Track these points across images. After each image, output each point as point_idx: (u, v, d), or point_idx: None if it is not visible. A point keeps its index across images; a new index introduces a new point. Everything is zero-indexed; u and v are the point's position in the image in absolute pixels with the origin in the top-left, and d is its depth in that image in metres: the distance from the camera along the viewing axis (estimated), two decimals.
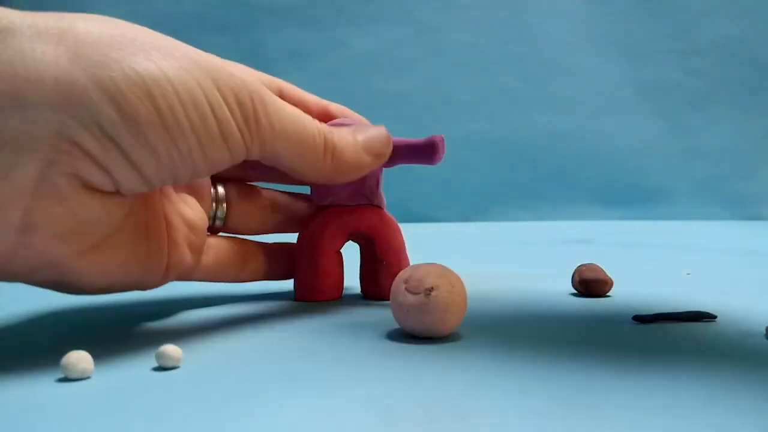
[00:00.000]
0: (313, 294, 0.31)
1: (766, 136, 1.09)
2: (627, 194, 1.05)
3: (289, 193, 0.33)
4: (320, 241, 0.30)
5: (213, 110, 0.21)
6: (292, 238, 0.32)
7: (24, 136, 0.18)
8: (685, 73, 1.08)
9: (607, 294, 0.32)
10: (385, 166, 0.31)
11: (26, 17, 0.19)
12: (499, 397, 0.17)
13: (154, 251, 0.24)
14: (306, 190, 0.32)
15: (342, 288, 0.32)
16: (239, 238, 0.30)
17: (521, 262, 0.49)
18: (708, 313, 0.26)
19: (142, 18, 1.09)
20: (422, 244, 0.64)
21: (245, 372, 0.19)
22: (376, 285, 0.31)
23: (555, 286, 0.35)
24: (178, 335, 0.24)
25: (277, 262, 0.32)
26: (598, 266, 0.33)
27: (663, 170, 1.07)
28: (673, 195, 1.06)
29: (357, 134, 0.27)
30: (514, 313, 0.28)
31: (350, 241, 0.32)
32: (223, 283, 0.31)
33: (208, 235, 0.29)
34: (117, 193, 0.21)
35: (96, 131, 0.19)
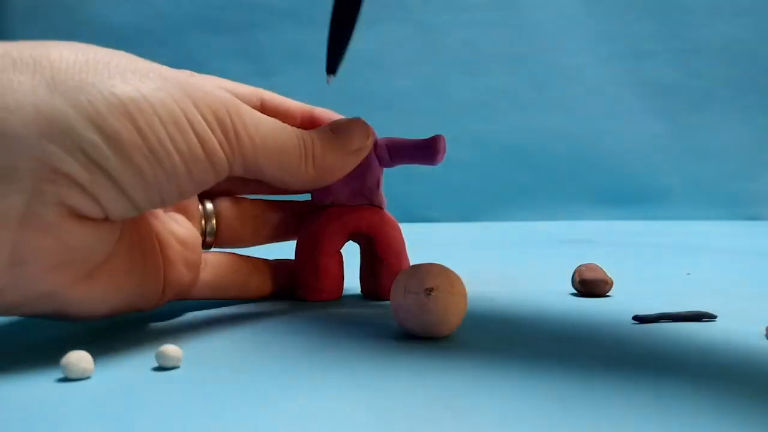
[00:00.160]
0: (313, 294, 0.31)
1: (766, 136, 1.08)
2: (627, 194, 1.05)
3: (279, 201, 0.32)
4: (320, 241, 0.30)
5: (193, 128, 0.21)
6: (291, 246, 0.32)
7: (5, 167, 0.18)
8: (686, 73, 1.08)
9: (607, 294, 0.32)
10: (386, 167, 0.31)
11: (0, 47, 0.19)
12: (499, 397, 0.17)
13: (149, 272, 0.24)
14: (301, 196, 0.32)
15: (342, 288, 0.32)
16: (241, 255, 0.30)
17: (521, 262, 0.49)
18: (708, 313, 0.26)
19: (142, 18, 1.09)
20: (422, 244, 0.64)
21: (245, 372, 0.19)
22: (376, 285, 0.31)
23: (555, 286, 0.35)
24: (178, 335, 0.24)
25: (281, 278, 0.31)
26: (598, 266, 0.33)
27: (663, 170, 1.07)
28: (673, 195, 1.06)
29: (335, 133, 0.27)
30: (514, 313, 0.28)
31: (350, 241, 0.32)
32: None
33: (206, 251, 0.29)
34: (106, 219, 0.20)
35: (80, 157, 0.19)
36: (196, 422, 0.15)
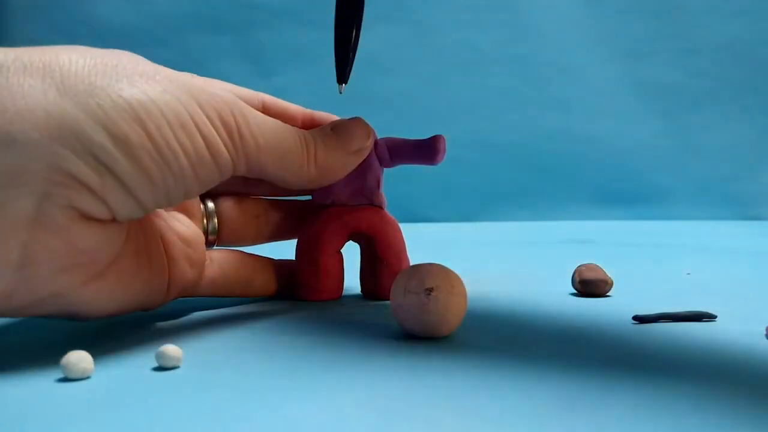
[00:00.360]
0: (313, 294, 0.31)
1: (767, 136, 1.08)
2: (627, 194, 1.05)
3: (281, 200, 0.33)
4: (321, 241, 0.30)
5: (200, 130, 0.21)
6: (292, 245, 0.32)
7: (16, 170, 0.18)
8: (685, 73, 1.07)
9: (607, 294, 0.32)
10: (386, 167, 0.31)
11: (9, 53, 0.19)
12: (499, 397, 0.17)
13: (155, 271, 0.24)
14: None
15: (342, 288, 0.32)
16: (246, 253, 0.30)
17: (521, 262, 0.49)
18: (708, 313, 0.26)
19: (142, 18, 1.09)
20: (422, 244, 0.64)
21: (245, 372, 0.19)
22: (376, 285, 0.31)
23: (555, 286, 0.35)
24: (178, 335, 0.24)
25: (285, 277, 0.31)
26: (598, 266, 0.33)
27: (663, 170, 1.07)
28: (673, 195, 1.06)
29: (336, 133, 0.27)
30: (514, 313, 0.28)
31: (350, 241, 0.32)
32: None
33: (211, 249, 0.29)
34: (113, 220, 0.21)
35: (90, 160, 0.19)
36: (196, 422, 0.15)
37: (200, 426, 0.15)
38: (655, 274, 0.41)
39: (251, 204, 0.31)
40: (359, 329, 0.25)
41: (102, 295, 0.21)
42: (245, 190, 0.31)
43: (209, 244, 0.30)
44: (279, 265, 0.31)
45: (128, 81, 0.20)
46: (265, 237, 0.32)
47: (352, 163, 0.28)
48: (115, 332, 0.25)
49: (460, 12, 1.04)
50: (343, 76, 0.29)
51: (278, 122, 0.25)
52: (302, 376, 0.19)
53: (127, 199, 0.20)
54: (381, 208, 0.31)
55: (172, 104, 0.21)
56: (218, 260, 0.28)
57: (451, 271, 0.23)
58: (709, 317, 0.26)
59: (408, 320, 0.23)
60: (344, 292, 0.32)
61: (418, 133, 0.31)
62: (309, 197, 0.32)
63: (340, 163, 0.27)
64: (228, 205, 0.30)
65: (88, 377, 0.19)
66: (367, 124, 0.29)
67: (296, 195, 0.33)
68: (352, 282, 0.32)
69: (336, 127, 0.28)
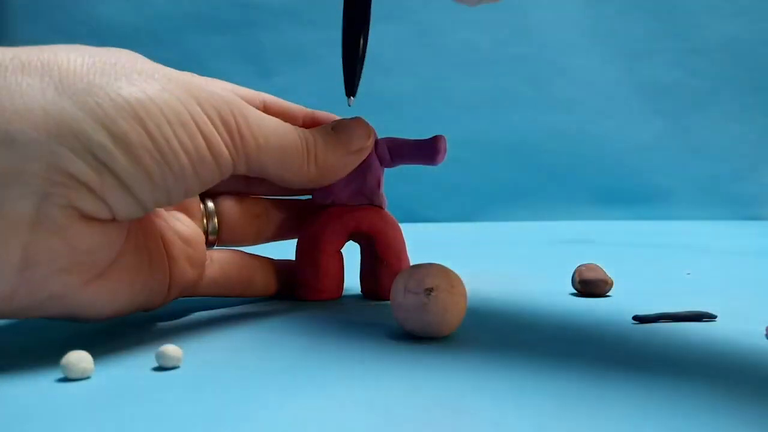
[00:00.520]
0: (313, 294, 0.31)
1: (766, 136, 1.08)
2: (627, 194, 1.05)
3: (282, 199, 0.33)
4: (321, 241, 0.30)
5: (200, 128, 0.21)
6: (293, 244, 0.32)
7: (16, 170, 0.18)
8: (686, 73, 1.08)
9: (607, 294, 0.32)
10: (387, 167, 0.31)
11: (7, 52, 0.19)
12: (498, 397, 0.17)
13: (156, 271, 0.24)
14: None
15: (342, 288, 0.32)
16: (246, 252, 0.30)
17: (521, 262, 0.49)
18: (708, 313, 0.26)
19: (142, 18, 1.09)
20: (422, 244, 0.64)
21: (245, 372, 0.19)
22: (376, 285, 0.31)
23: (555, 286, 0.35)
24: (178, 335, 0.24)
25: (285, 277, 0.31)
26: (598, 266, 0.33)
27: (663, 170, 1.07)
28: (673, 195, 1.06)
29: (337, 133, 0.27)
30: (514, 313, 0.28)
31: (351, 241, 0.32)
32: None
33: (212, 249, 0.29)
34: (113, 220, 0.20)
35: (89, 159, 0.19)
36: (196, 422, 0.15)
37: (200, 426, 0.15)
38: (655, 274, 0.41)
39: (251, 203, 0.31)
40: (359, 329, 0.25)
41: (103, 296, 0.21)
42: (246, 190, 0.31)
43: (209, 244, 0.30)
44: (279, 265, 0.31)
45: (127, 79, 0.20)
46: (265, 237, 0.32)
47: (352, 162, 0.28)
48: (115, 332, 0.25)
49: (461, 12, 1.04)
50: (351, 89, 0.30)
51: (279, 121, 0.25)
52: (302, 376, 0.19)
53: (126, 198, 0.20)
54: (381, 208, 0.31)
55: (171, 103, 0.20)
56: (219, 260, 0.28)
57: (451, 271, 0.23)
58: (709, 317, 0.26)
59: (408, 320, 0.23)
60: (344, 292, 0.32)
61: (418, 133, 0.31)
62: (309, 197, 0.32)
63: (340, 163, 0.27)
64: (228, 204, 0.30)
65: (88, 377, 0.19)
66: (368, 124, 0.29)
67: (297, 195, 0.33)
68: (352, 282, 0.32)
69: (336, 127, 0.28)
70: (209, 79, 0.26)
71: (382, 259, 0.31)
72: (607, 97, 1.08)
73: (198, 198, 0.29)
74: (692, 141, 1.07)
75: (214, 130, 0.22)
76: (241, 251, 0.30)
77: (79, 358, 0.18)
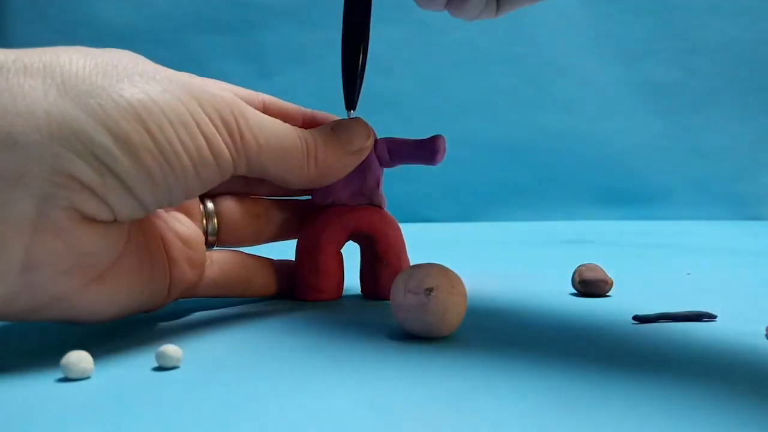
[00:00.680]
0: (313, 294, 0.31)
1: (766, 136, 1.08)
2: (627, 194, 1.05)
3: (281, 200, 0.32)
4: (321, 241, 0.30)
5: (201, 129, 0.21)
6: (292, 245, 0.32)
7: (18, 172, 0.18)
8: (686, 73, 1.08)
9: (607, 294, 0.32)
10: (386, 167, 0.31)
11: (10, 54, 0.19)
12: (498, 397, 0.17)
13: (156, 273, 0.24)
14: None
15: (342, 288, 0.32)
16: (246, 253, 0.30)
17: (521, 262, 0.49)
18: (708, 313, 0.26)
19: (142, 18, 1.09)
20: (422, 244, 0.64)
21: (245, 372, 0.19)
22: (376, 285, 0.31)
23: (555, 286, 0.35)
24: (178, 335, 0.24)
25: (285, 277, 0.31)
26: (598, 266, 0.33)
27: (663, 170, 1.07)
28: (673, 195, 1.06)
29: (336, 133, 0.27)
30: (514, 313, 0.28)
31: (350, 241, 0.32)
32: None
33: (211, 250, 0.29)
34: (114, 221, 0.20)
35: (91, 160, 0.19)
36: (196, 422, 0.15)
37: (200, 426, 0.15)
38: (655, 274, 0.41)
39: (251, 204, 0.31)
40: (359, 329, 0.25)
41: (103, 298, 0.21)
42: (245, 190, 0.31)
43: (209, 244, 0.30)
44: (279, 266, 0.31)
45: (129, 81, 0.20)
46: (265, 237, 0.32)
47: (352, 163, 0.28)
48: (115, 332, 0.25)
49: None
50: (351, 103, 0.30)
51: (278, 122, 0.25)
52: (302, 376, 0.19)
53: (128, 200, 0.20)
54: (381, 208, 0.31)
55: (173, 104, 0.20)
56: (218, 261, 0.28)
57: (451, 271, 0.23)
58: (709, 317, 0.26)
59: (408, 320, 0.23)
60: (344, 292, 0.32)
61: (418, 133, 0.31)
62: (309, 197, 0.32)
63: (340, 163, 0.27)
64: (227, 205, 0.30)
65: (88, 377, 0.19)
66: (367, 124, 0.29)
67: (296, 195, 0.33)
68: (352, 282, 0.32)
69: (336, 127, 0.28)
70: (209, 79, 0.26)
71: (382, 259, 0.31)
72: (607, 97, 1.08)
73: (197, 199, 0.29)
74: (692, 141, 1.07)
75: (215, 131, 0.22)
76: (241, 252, 0.30)
77: (79, 358, 0.18)
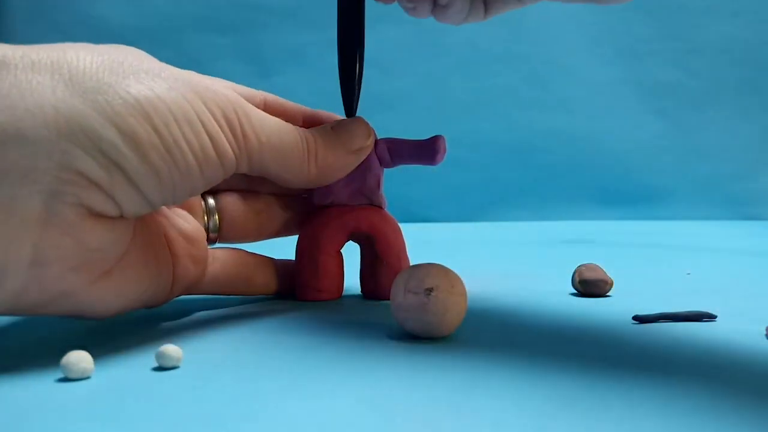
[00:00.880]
0: (313, 294, 0.31)
1: (766, 136, 1.08)
2: (627, 194, 1.05)
3: (283, 196, 0.33)
4: (321, 241, 0.30)
5: (205, 127, 0.21)
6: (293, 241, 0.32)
7: (27, 168, 0.18)
8: (685, 73, 1.08)
9: (607, 294, 0.32)
10: (386, 167, 0.31)
11: (17, 50, 0.19)
12: (498, 397, 0.17)
13: (161, 269, 0.24)
14: None
15: (342, 288, 0.32)
16: (248, 252, 0.30)
17: (521, 262, 0.49)
18: (708, 313, 0.26)
19: (142, 18, 1.08)
20: (422, 244, 0.64)
21: (245, 372, 0.19)
22: (376, 285, 0.31)
23: (555, 286, 0.35)
24: (178, 335, 0.24)
25: (285, 276, 0.31)
26: (598, 266, 0.33)
27: (663, 170, 1.07)
28: (673, 195, 1.06)
29: (337, 133, 0.27)
30: (514, 313, 0.28)
31: (350, 242, 0.32)
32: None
33: (214, 247, 0.29)
34: (121, 217, 0.21)
35: (99, 157, 0.19)
36: (196, 422, 0.15)
37: (200, 426, 0.15)
38: (655, 274, 0.41)
39: (253, 200, 0.31)
40: (359, 329, 0.25)
41: (110, 293, 0.21)
42: (248, 187, 0.31)
43: (210, 241, 0.30)
44: (280, 265, 0.31)
45: (135, 78, 0.20)
46: (267, 233, 0.32)
47: (352, 162, 0.28)
48: (115, 332, 0.25)
49: None
50: (350, 110, 0.30)
51: (279, 121, 0.25)
52: (302, 376, 0.19)
53: (135, 196, 0.20)
54: (381, 208, 0.31)
55: (178, 101, 0.21)
56: (220, 258, 0.29)
57: (451, 271, 0.23)
58: (709, 317, 0.26)
59: (408, 320, 0.23)
60: (344, 292, 0.32)
61: (419, 133, 0.31)
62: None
63: (340, 163, 0.28)
64: (229, 201, 0.30)
65: (88, 377, 0.19)
66: (368, 124, 0.29)
67: (297, 195, 0.33)
68: (352, 282, 0.32)
69: (336, 127, 0.28)
70: (211, 78, 0.26)
71: (382, 260, 0.31)
72: (607, 97, 1.08)
73: (199, 195, 0.29)
74: (692, 141, 1.07)
75: (218, 128, 0.22)
76: (243, 250, 0.30)
77: (79, 358, 0.18)
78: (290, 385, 0.18)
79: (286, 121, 0.26)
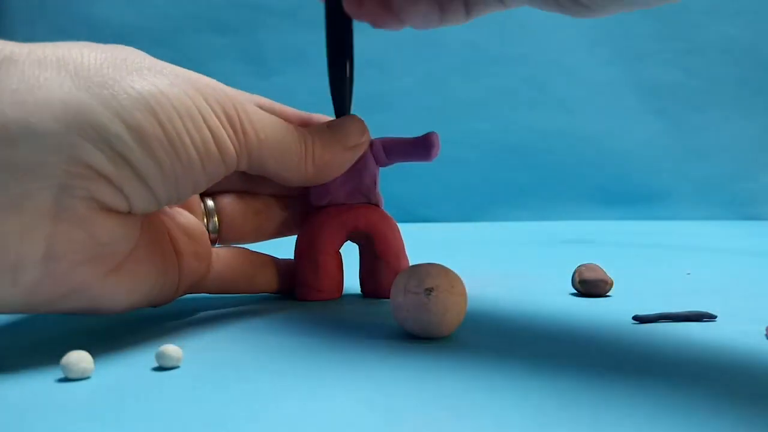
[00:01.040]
0: (313, 294, 0.31)
1: (766, 136, 1.08)
2: (627, 194, 1.05)
3: (282, 197, 0.33)
4: (319, 241, 0.30)
5: (206, 122, 0.22)
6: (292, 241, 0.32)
7: (36, 162, 0.18)
8: (685, 73, 1.08)
9: (607, 294, 0.32)
10: (382, 165, 0.31)
11: (23, 47, 0.20)
12: (498, 397, 0.17)
13: (168, 266, 0.24)
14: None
15: (342, 287, 0.32)
16: (251, 250, 0.30)
17: (521, 262, 0.49)
18: (708, 313, 0.26)
19: (142, 18, 1.09)
20: (422, 244, 0.64)
21: (245, 372, 0.19)
22: (375, 283, 0.31)
23: (555, 286, 0.35)
24: (178, 335, 0.24)
25: (287, 275, 0.31)
26: (598, 266, 0.33)
27: (663, 170, 1.07)
28: (673, 195, 1.06)
29: (332, 130, 0.28)
30: (514, 313, 0.28)
31: (350, 241, 0.32)
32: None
33: (217, 247, 0.29)
34: (130, 213, 0.21)
35: (107, 150, 0.19)
36: (196, 422, 0.15)
37: (200, 426, 0.15)
38: (655, 274, 0.41)
39: (252, 200, 0.31)
40: (359, 329, 0.25)
41: (121, 288, 0.22)
42: (247, 188, 0.31)
43: (210, 242, 0.30)
44: (282, 264, 0.31)
45: (138, 74, 0.21)
46: (266, 234, 0.32)
47: (349, 159, 0.28)
48: (115, 332, 0.25)
49: None
50: (342, 113, 0.30)
51: (277, 119, 0.25)
52: (302, 376, 0.19)
53: (142, 190, 0.20)
54: (378, 206, 0.31)
55: (181, 97, 0.21)
56: (224, 256, 0.29)
57: (451, 271, 0.23)
58: (709, 317, 0.26)
59: (408, 320, 0.23)
60: (344, 292, 0.32)
61: (418, 132, 0.31)
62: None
63: (337, 160, 0.28)
64: (228, 201, 0.30)
65: (88, 377, 0.19)
66: (362, 121, 0.29)
67: (295, 194, 0.33)
68: (352, 282, 0.32)
69: (332, 125, 0.28)
70: (208, 78, 0.27)
71: (382, 259, 0.31)
72: (607, 97, 1.08)
73: (197, 196, 0.29)
74: (692, 141, 1.07)
75: (219, 123, 0.22)
76: (246, 248, 0.30)
77: (79, 358, 0.18)
78: (290, 385, 0.18)
79: None
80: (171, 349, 0.20)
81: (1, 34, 0.22)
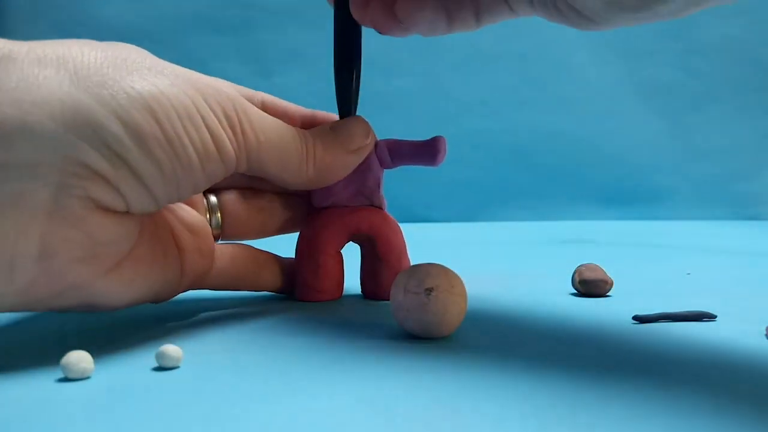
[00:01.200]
0: (314, 294, 0.31)
1: (766, 136, 1.08)
2: (627, 194, 1.05)
3: (285, 194, 0.33)
4: (321, 242, 0.30)
5: (205, 122, 0.22)
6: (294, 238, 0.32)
7: (33, 161, 0.18)
8: (685, 73, 1.08)
9: (607, 294, 0.32)
10: (386, 168, 0.31)
11: (23, 45, 0.19)
12: (498, 397, 0.17)
13: (169, 262, 0.24)
14: None
15: (342, 288, 0.32)
16: (254, 248, 0.30)
17: (521, 262, 0.49)
18: (708, 313, 0.26)
19: (142, 18, 1.08)
20: (422, 244, 0.64)
21: (245, 372, 0.19)
22: (376, 285, 0.31)
23: (555, 286, 0.35)
24: (178, 335, 0.24)
25: (290, 274, 0.31)
26: (598, 266, 0.33)
27: (663, 170, 1.07)
28: (673, 195, 1.06)
29: (336, 133, 0.28)
30: (514, 313, 0.28)
31: (351, 242, 0.32)
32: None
33: (221, 243, 0.29)
34: (128, 213, 0.21)
35: (104, 150, 0.19)
36: (196, 422, 0.15)
37: (200, 426, 0.15)
38: (655, 274, 0.41)
39: (255, 197, 0.31)
40: (359, 329, 0.25)
41: (120, 286, 0.22)
42: (250, 185, 0.31)
43: (213, 238, 0.30)
44: (286, 263, 0.31)
45: (138, 74, 0.20)
46: (269, 231, 0.32)
47: (352, 162, 0.28)
48: (115, 332, 0.25)
49: None
50: (347, 115, 0.30)
51: (278, 121, 0.25)
52: (302, 376, 0.19)
53: (140, 190, 0.20)
54: (381, 208, 0.31)
55: (180, 97, 0.21)
56: (229, 253, 0.29)
57: (451, 271, 0.23)
58: (709, 317, 0.26)
59: (408, 320, 0.23)
60: (344, 292, 0.32)
61: (419, 133, 0.31)
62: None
63: (339, 163, 0.27)
64: (231, 198, 0.30)
65: (88, 377, 0.19)
66: (367, 123, 0.29)
67: (298, 195, 0.33)
68: (352, 282, 0.32)
69: (335, 127, 0.28)
70: (211, 77, 0.27)
71: (383, 260, 0.31)
72: (607, 97, 1.08)
73: (201, 193, 0.29)
74: (692, 141, 1.07)
75: (218, 124, 0.22)
76: (250, 246, 0.30)
77: (79, 358, 0.18)
78: (290, 385, 0.18)
79: (284, 122, 0.26)
80: (171, 349, 0.20)
81: (1, 33, 0.22)
